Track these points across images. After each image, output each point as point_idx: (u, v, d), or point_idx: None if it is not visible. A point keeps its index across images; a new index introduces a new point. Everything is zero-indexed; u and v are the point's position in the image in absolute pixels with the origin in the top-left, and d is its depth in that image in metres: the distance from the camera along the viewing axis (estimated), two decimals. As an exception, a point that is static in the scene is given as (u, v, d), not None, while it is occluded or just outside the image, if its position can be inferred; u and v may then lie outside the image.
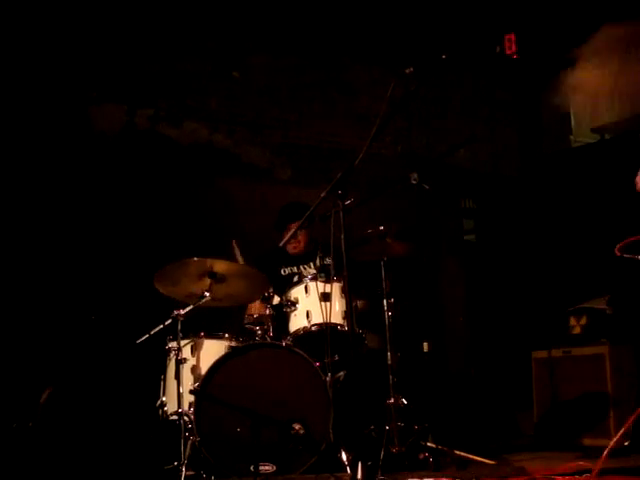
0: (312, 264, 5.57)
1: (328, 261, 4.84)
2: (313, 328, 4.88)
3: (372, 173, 6.94)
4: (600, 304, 6.13)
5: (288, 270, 5.65)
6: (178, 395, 4.54)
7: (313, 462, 4.32)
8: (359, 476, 3.41)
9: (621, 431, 3.79)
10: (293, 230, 4.94)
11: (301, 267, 5.63)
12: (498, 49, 7.25)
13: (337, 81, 7.60)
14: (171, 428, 4.55)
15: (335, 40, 7.32)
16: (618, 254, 3.53)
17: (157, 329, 4.63)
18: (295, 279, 5.23)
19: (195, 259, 4.62)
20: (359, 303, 5.10)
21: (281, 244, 5.02)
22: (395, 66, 3.97)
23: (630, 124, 7.20)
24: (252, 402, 4.37)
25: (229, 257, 4.97)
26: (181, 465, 4.32)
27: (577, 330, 6.12)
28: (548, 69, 8.09)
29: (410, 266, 6.06)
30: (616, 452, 4.86)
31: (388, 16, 7.26)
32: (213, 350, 4.78)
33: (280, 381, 4.52)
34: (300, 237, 5.60)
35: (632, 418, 3.74)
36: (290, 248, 5.65)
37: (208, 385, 4.48)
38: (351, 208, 3.96)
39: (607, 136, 8.57)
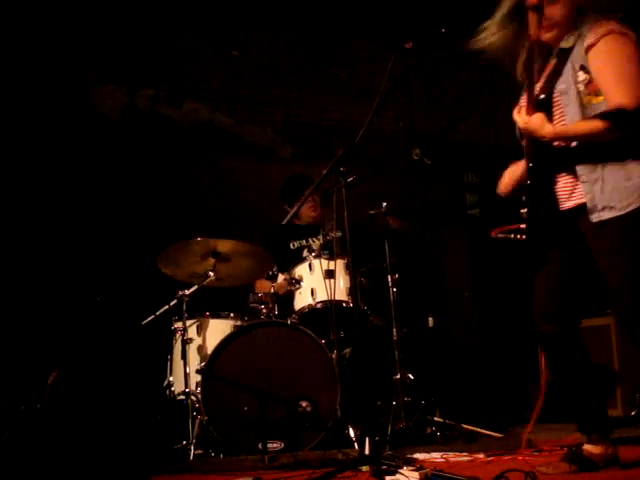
0: (321, 237, 5.46)
1: (332, 235, 4.80)
2: (318, 305, 4.87)
3: (374, 149, 6.91)
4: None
5: (297, 244, 5.60)
6: (185, 375, 4.57)
7: (321, 439, 4.35)
8: (367, 451, 3.41)
9: (540, 401, 3.80)
10: (308, 195, 4.77)
11: (310, 240, 5.59)
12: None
13: (337, 57, 7.55)
14: (179, 408, 4.58)
15: (334, 16, 7.26)
16: (493, 235, 3.54)
17: (162, 310, 4.65)
18: (305, 252, 5.17)
19: (199, 239, 4.62)
20: (363, 280, 5.09)
21: (298, 207, 4.77)
22: (395, 41, 3.93)
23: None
24: (259, 380, 4.39)
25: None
26: (190, 444, 4.37)
27: (582, 302, 6.10)
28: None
29: (414, 242, 6.04)
30: (624, 422, 4.89)
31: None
32: (219, 329, 4.80)
33: (286, 359, 4.53)
34: (317, 199, 5.56)
35: (543, 390, 3.75)
36: (309, 212, 5.59)
37: (214, 364, 4.49)
38: (353, 185, 3.94)
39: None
